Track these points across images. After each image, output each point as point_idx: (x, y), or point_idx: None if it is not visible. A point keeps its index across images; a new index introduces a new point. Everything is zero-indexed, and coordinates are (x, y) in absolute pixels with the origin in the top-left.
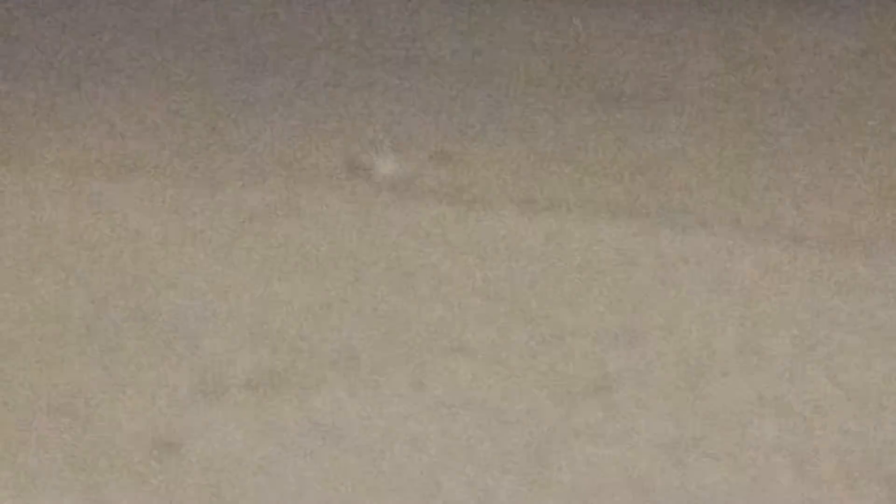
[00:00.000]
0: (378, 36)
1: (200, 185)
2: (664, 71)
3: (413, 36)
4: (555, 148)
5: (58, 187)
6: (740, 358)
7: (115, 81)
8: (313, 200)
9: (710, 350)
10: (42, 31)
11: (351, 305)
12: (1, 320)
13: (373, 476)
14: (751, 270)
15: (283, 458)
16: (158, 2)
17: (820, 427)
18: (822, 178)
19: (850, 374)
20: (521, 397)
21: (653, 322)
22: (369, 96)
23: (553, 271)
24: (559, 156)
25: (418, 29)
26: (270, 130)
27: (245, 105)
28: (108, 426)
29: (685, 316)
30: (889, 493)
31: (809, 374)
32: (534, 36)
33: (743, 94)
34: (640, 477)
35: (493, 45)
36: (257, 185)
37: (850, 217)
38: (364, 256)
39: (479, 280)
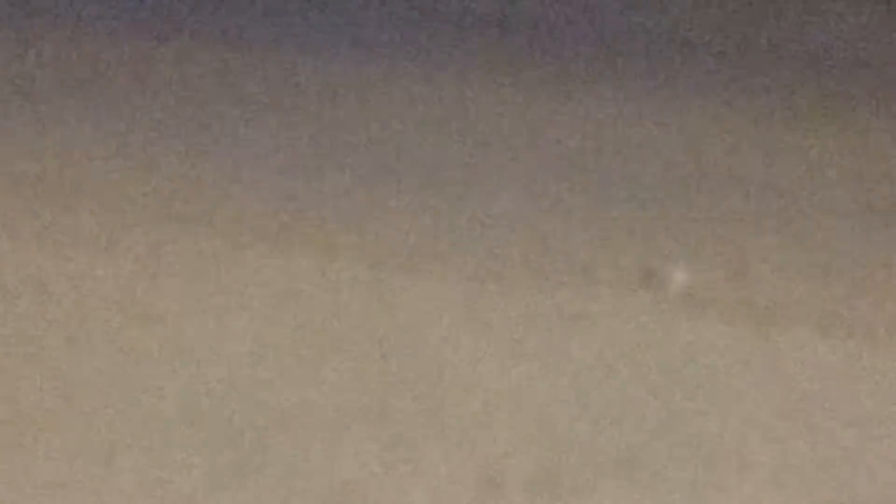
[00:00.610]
0: (668, 152)
1: (494, 285)
2: None
3: (711, 151)
4: (854, 268)
5: (351, 279)
6: None
7: (402, 176)
8: (605, 307)
9: None
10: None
11: (636, 411)
12: (290, 404)
13: None
14: None
15: None
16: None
17: None
18: None
19: None
20: None
21: None
22: (666, 206)
23: (842, 394)
24: (858, 277)
25: (718, 145)
26: (564, 236)
27: (538, 209)
28: None
29: None
30: None
31: None
32: (831, 158)
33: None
34: None
35: (794, 165)
36: (548, 289)
37: None
38: (652, 365)
39: (766, 398)
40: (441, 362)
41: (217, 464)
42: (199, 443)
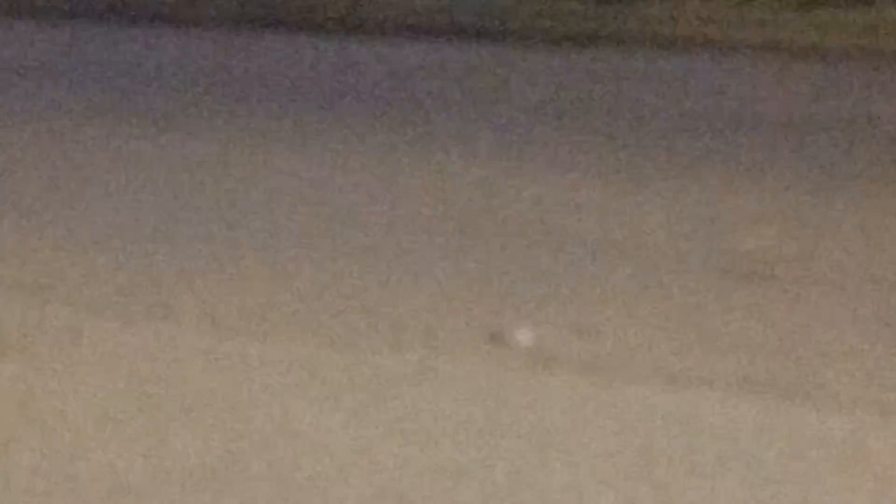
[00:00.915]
0: (521, 209)
1: (339, 348)
2: (804, 249)
3: (555, 210)
4: (694, 323)
5: (197, 345)
6: None
7: (257, 244)
8: (452, 367)
9: None
10: (198, 188)
11: (481, 472)
12: (136, 471)
13: None
14: (885, 450)
15: None
16: (293, 169)
17: None
18: None
19: None
20: None
21: (784, 499)
22: (511, 268)
23: (684, 445)
24: (697, 330)
25: (561, 204)
26: (411, 295)
27: (388, 270)
28: None
29: (817, 493)
30: None
31: None
32: (673, 214)
33: (882, 275)
34: None
35: (634, 221)
36: (396, 350)
37: None
38: (497, 424)
39: (611, 451)
40: (289, 427)
41: None
42: None
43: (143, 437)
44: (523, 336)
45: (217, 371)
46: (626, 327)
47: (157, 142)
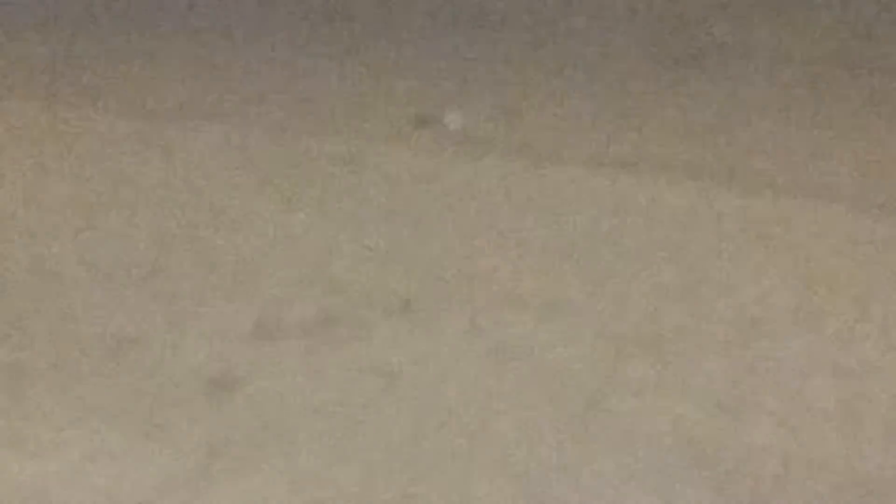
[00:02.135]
0: None
1: (268, 133)
2: (737, 35)
3: None
4: (622, 107)
5: (127, 132)
6: (796, 317)
7: (188, 27)
8: (379, 152)
9: (766, 309)
10: None
11: (410, 255)
12: (67, 260)
13: (424, 418)
14: (810, 232)
15: (336, 399)
16: None
17: (874, 393)
18: (886, 146)
19: None
20: (574, 348)
21: (710, 280)
22: (439, 52)
23: (613, 228)
24: (626, 115)
25: None
26: (340, 82)
27: (316, 56)
28: (168, 364)
29: (742, 275)
30: None
31: (865, 335)
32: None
33: (810, 61)
34: (690, 431)
35: (564, 4)
36: (325, 136)
37: None
38: (426, 208)
39: (539, 234)
40: (216, 211)
41: None
42: None
43: (71, 224)
44: (452, 120)
45: (144, 156)
46: (555, 111)
47: None
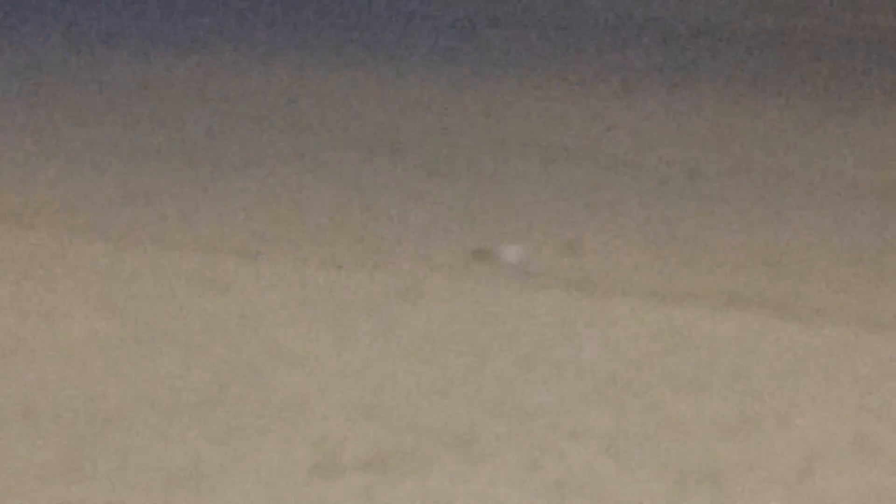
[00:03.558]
0: (508, 124)
1: (326, 268)
2: (795, 164)
3: (542, 124)
4: (682, 239)
5: (186, 267)
6: (855, 450)
7: (245, 164)
8: (437, 286)
9: (826, 441)
10: (172, 109)
11: (468, 389)
12: (124, 393)
13: None
14: (868, 362)
15: None
16: (277, 80)
17: None
18: None
19: None
20: (634, 483)
21: (768, 412)
22: (497, 183)
23: (671, 360)
24: (684, 246)
25: (548, 117)
26: (399, 215)
27: (373, 189)
28: (224, 502)
29: (801, 406)
30: None
31: None
32: (665, 127)
33: (871, 189)
34: None
35: (625, 136)
36: (382, 269)
37: None
38: (484, 341)
39: (597, 366)
40: (274, 345)
41: (49, 457)
42: (33, 436)
43: (129, 360)
44: (510, 253)
45: (203, 293)
46: (612, 242)
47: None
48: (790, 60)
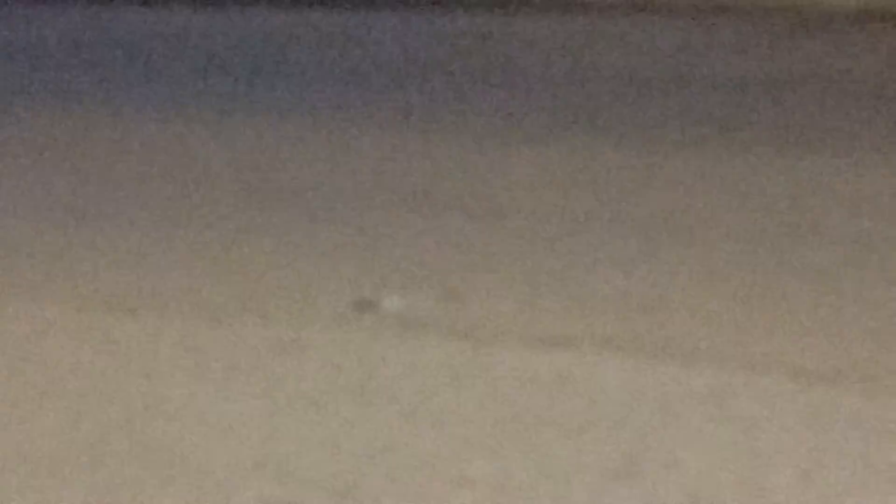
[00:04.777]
0: (386, 174)
1: (205, 321)
2: (671, 206)
3: (419, 174)
4: (561, 285)
5: (64, 322)
6: (741, 492)
7: (120, 217)
8: (318, 338)
9: (712, 484)
10: (45, 165)
11: (354, 439)
12: (4, 452)
13: None
14: (752, 405)
15: None
16: (158, 133)
17: None
18: (823, 316)
19: None
20: None
21: (654, 456)
22: (376, 234)
23: (555, 407)
24: (565, 293)
25: (425, 167)
26: (276, 266)
27: (251, 239)
28: None
29: (686, 450)
30: None
31: None
32: (538, 174)
33: (746, 232)
34: None
35: (500, 184)
36: (262, 321)
37: (850, 354)
38: (368, 392)
39: (482, 416)
40: (158, 399)
41: None
42: None
43: (9, 415)
44: (391, 303)
45: (84, 348)
46: (495, 291)
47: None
48: (684, 106)
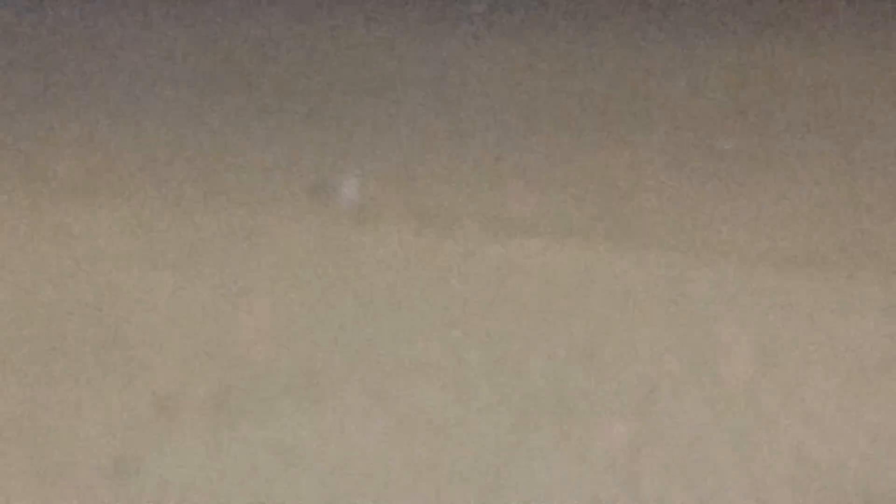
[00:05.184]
0: (342, 60)
1: (161, 207)
2: (631, 94)
3: (376, 60)
4: (518, 170)
5: (14, 209)
6: (695, 379)
7: (75, 99)
8: (274, 224)
9: (665, 371)
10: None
11: (309, 327)
12: None
13: (330, 497)
14: (706, 291)
15: (239, 480)
16: (124, 16)
17: (776, 451)
18: (778, 201)
19: (805, 397)
20: (478, 417)
21: (609, 342)
22: (332, 120)
23: (512, 292)
24: (522, 178)
25: (382, 53)
26: (232, 153)
27: (206, 127)
28: (66, 446)
29: (641, 336)
30: None
31: (764, 396)
32: (502, 59)
33: (701, 118)
34: (595, 497)
35: (458, 69)
36: (218, 208)
37: (805, 238)
38: (323, 279)
39: (438, 301)
40: (112, 288)
41: None
42: None
43: None
44: (348, 187)
45: (35, 235)
46: (449, 176)
47: None
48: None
